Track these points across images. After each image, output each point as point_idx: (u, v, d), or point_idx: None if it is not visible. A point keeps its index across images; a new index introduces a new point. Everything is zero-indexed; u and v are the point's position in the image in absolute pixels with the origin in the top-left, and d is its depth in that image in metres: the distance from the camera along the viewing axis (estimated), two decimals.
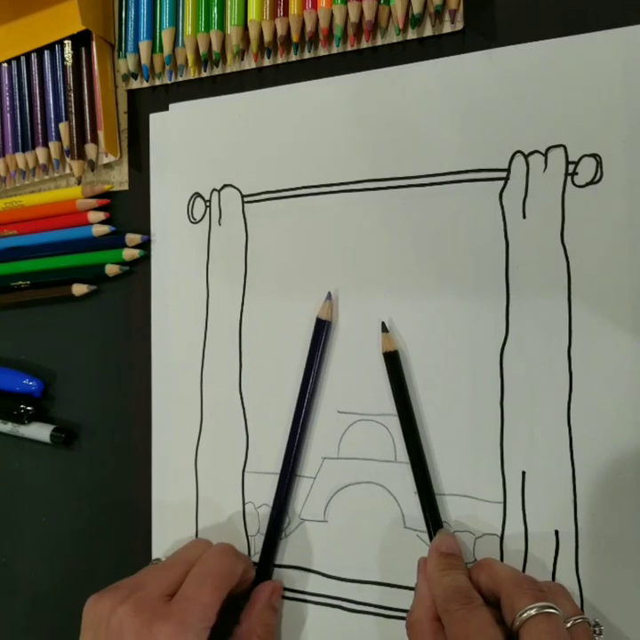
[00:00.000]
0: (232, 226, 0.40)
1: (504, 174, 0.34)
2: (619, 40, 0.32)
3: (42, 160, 0.46)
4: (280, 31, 0.38)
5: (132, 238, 0.43)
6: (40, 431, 0.45)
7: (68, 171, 0.46)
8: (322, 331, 0.37)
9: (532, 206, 0.33)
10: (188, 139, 0.42)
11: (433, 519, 0.34)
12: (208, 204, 0.41)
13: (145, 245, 0.43)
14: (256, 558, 0.38)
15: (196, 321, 0.41)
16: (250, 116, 0.40)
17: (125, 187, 0.45)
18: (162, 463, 0.42)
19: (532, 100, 0.33)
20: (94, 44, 0.43)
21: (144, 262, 0.43)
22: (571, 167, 0.33)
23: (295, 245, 0.38)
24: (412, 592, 0.33)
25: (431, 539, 0.33)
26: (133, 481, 0.43)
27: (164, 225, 0.43)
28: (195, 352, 0.41)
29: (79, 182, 0.45)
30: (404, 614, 0.34)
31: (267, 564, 0.38)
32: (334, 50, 0.38)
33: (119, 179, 0.45)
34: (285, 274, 0.39)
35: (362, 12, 0.36)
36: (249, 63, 0.40)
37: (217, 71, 0.41)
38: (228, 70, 0.41)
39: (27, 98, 0.46)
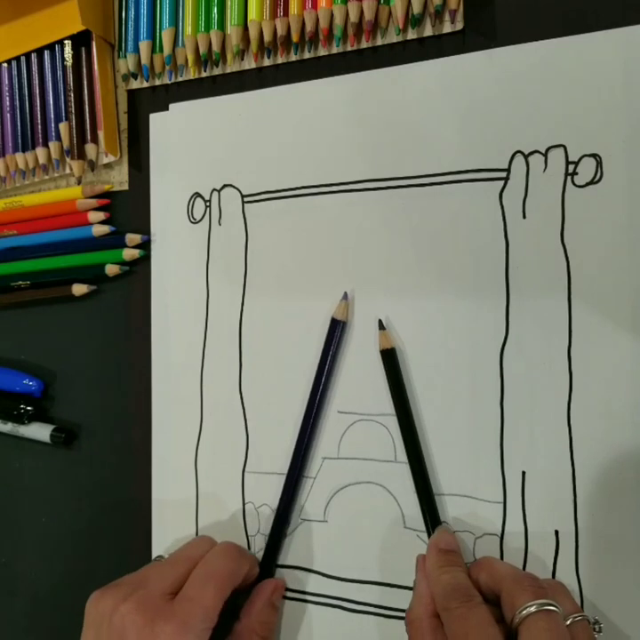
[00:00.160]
0: (232, 226, 0.40)
1: (504, 174, 0.34)
2: (619, 40, 0.32)
3: (42, 160, 0.46)
4: (280, 31, 0.38)
5: (132, 238, 0.43)
6: (40, 431, 0.45)
7: (68, 171, 0.46)
8: (336, 331, 0.36)
9: (531, 206, 0.33)
10: (188, 139, 0.42)
11: (432, 519, 0.34)
12: (208, 204, 0.41)
13: (145, 245, 0.43)
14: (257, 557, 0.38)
15: (195, 321, 0.41)
16: (250, 116, 0.40)
17: (125, 187, 0.45)
18: (162, 463, 0.42)
19: (532, 100, 0.33)
20: (94, 43, 0.43)
21: (144, 262, 0.43)
22: (571, 167, 0.33)
23: (295, 245, 0.38)
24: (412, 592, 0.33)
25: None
26: (133, 481, 0.43)
27: (164, 225, 0.43)
28: (195, 352, 0.41)
29: (79, 182, 0.45)
30: (404, 614, 0.33)
31: (269, 562, 0.38)
32: (334, 50, 0.38)
33: (119, 179, 0.45)
34: (285, 274, 0.39)
35: (362, 12, 0.36)
36: (249, 63, 0.40)
37: (217, 71, 0.41)
38: (228, 70, 0.41)
39: (27, 98, 0.46)
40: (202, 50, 0.40)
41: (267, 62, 0.40)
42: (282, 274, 0.39)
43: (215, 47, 0.40)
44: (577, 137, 0.32)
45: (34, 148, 0.46)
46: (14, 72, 0.47)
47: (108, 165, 0.45)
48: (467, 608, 0.28)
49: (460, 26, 0.35)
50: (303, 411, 0.37)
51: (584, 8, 0.33)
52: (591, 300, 0.32)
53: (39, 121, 0.46)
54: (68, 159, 0.45)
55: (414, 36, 0.36)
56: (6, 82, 0.47)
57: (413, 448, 0.34)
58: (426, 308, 0.35)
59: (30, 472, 0.48)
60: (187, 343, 0.41)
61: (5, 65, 0.47)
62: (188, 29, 0.40)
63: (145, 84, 0.43)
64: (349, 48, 0.37)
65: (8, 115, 0.47)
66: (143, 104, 0.44)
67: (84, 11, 0.41)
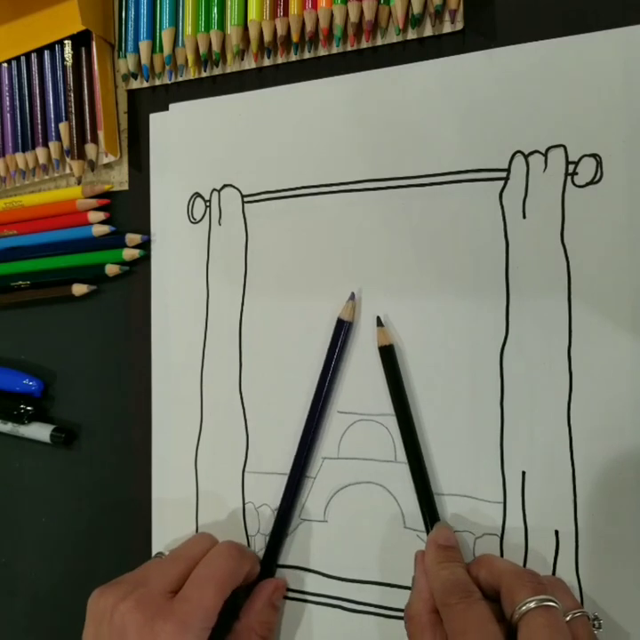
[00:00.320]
0: (232, 226, 0.40)
1: (504, 174, 0.34)
2: (619, 40, 0.32)
3: (42, 160, 0.46)
4: (280, 31, 0.38)
5: (132, 238, 0.43)
6: (40, 431, 0.45)
7: (68, 171, 0.46)
8: (342, 332, 0.36)
9: (531, 206, 0.33)
10: (188, 139, 0.42)
11: (432, 519, 0.34)
12: (208, 203, 0.41)
13: (145, 245, 0.43)
14: None
15: (196, 321, 0.41)
16: (250, 116, 0.40)
17: (125, 187, 0.45)
18: (162, 463, 0.42)
19: (532, 100, 0.33)
20: (94, 43, 0.43)
21: (144, 262, 0.43)
22: (571, 167, 0.33)
23: (295, 245, 0.38)
24: None
25: None
26: (133, 481, 0.43)
27: (164, 225, 0.43)
28: (195, 352, 0.41)
29: (79, 182, 0.45)
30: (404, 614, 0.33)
31: (270, 562, 0.38)
32: (334, 50, 0.38)
33: (119, 179, 0.45)
34: (285, 274, 0.39)
35: (362, 12, 0.36)
36: (249, 63, 0.40)
37: (217, 71, 0.41)
38: (228, 70, 0.41)
39: (27, 98, 0.46)
40: (202, 50, 0.40)
41: (267, 62, 0.40)
42: (282, 274, 0.39)
43: (215, 47, 0.40)
44: (577, 137, 0.32)
45: (34, 148, 0.46)
46: (14, 72, 0.47)
47: (108, 165, 0.45)
48: (466, 604, 0.28)
49: (460, 26, 0.35)
50: (303, 410, 0.37)
51: (584, 8, 0.33)
52: (591, 300, 0.32)
53: (39, 121, 0.46)
54: (67, 159, 0.45)
55: (414, 36, 0.36)
56: (6, 82, 0.47)
57: (413, 448, 0.34)
58: (426, 307, 0.35)
59: (30, 472, 0.48)
60: (187, 343, 0.41)
61: (5, 65, 0.47)
62: (188, 29, 0.40)
63: (145, 84, 0.43)
64: (349, 48, 0.37)
65: (8, 115, 0.47)
66: (143, 104, 0.44)
67: (84, 11, 0.41)
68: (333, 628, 0.36)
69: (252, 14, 0.38)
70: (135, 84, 0.44)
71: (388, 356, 0.35)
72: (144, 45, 0.42)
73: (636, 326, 0.31)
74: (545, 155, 0.33)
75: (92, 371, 0.45)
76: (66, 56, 0.44)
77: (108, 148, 0.44)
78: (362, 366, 0.36)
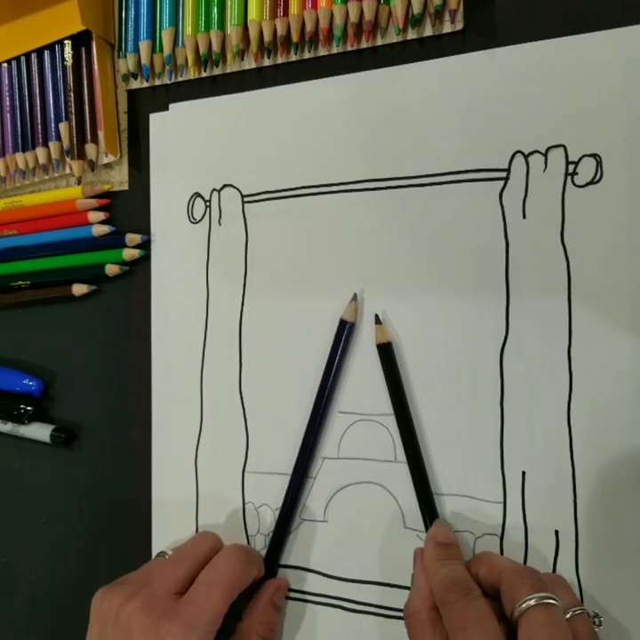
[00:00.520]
0: (232, 226, 0.40)
1: (504, 174, 0.34)
2: (619, 40, 0.32)
3: (42, 160, 0.46)
4: (280, 31, 0.38)
5: (132, 238, 0.43)
6: (40, 431, 0.45)
7: (68, 171, 0.46)
8: (344, 332, 0.36)
9: (531, 206, 0.33)
10: (188, 139, 0.42)
11: (431, 519, 0.34)
12: (208, 204, 0.41)
13: (145, 245, 0.43)
14: None
15: (196, 321, 0.41)
16: (250, 116, 0.40)
17: (125, 187, 0.45)
18: (162, 463, 0.42)
19: (532, 100, 0.33)
20: (94, 43, 0.43)
21: (144, 262, 0.43)
22: (571, 167, 0.33)
23: (295, 245, 0.38)
24: None
25: None
26: (133, 481, 0.43)
27: (164, 225, 0.43)
28: (195, 352, 0.41)
29: (79, 182, 0.45)
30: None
31: (272, 562, 0.38)
32: (334, 50, 0.38)
33: (119, 179, 0.45)
34: (285, 274, 0.39)
35: (362, 12, 0.36)
36: (249, 63, 0.40)
37: (217, 71, 0.41)
38: (228, 70, 0.41)
39: (27, 98, 0.46)
40: (202, 50, 0.40)
41: (267, 62, 0.40)
42: (282, 274, 0.39)
43: (215, 47, 0.40)
44: (577, 137, 0.32)
45: (34, 147, 0.46)
46: (14, 72, 0.47)
47: (108, 165, 0.45)
48: (465, 601, 0.28)
49: (460, 26, 0.35)
50: (303, 410, 0.37)
51: (584, 8, 0.33)
52: (591, 300, 0.32)
53: (39, 121, 0.46)
54: (67, 159, 0.45)
55: (414, 36, 0.36)
56: (6, 82, 0.47)
57: (413, 448, 0.34)
58: (426, 307, 0.35)
59: (30, 472, 0.48)
60: (187, 343, 0.41)
61: (5, 65, 0.47)
62: (188, 29, 0.40)
63: (145, 84, 0.43)
64: (349, 48, 0.37)
65: (8, 115, 0.47)
66: (143, 104, 0.44)
67: (84, 11, 0.41)
68: (333, 628, 0.36)
69: (252, 14, 0.38)
70: (135, 84, 0.44)
71: (387, 353, 0.35)
72: (144, 45, 0.42)
73: (636, 326, 0.31)
74: (545, 155, 0.33)
75: (91, 371, 0.45)
76: (66, 56, 0.44)
77: (108, 148, 0.44)
78: (362, 366, 0.36)
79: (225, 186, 0.41)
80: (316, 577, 0.37)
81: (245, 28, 0.39)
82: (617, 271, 0.31)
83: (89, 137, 0.44)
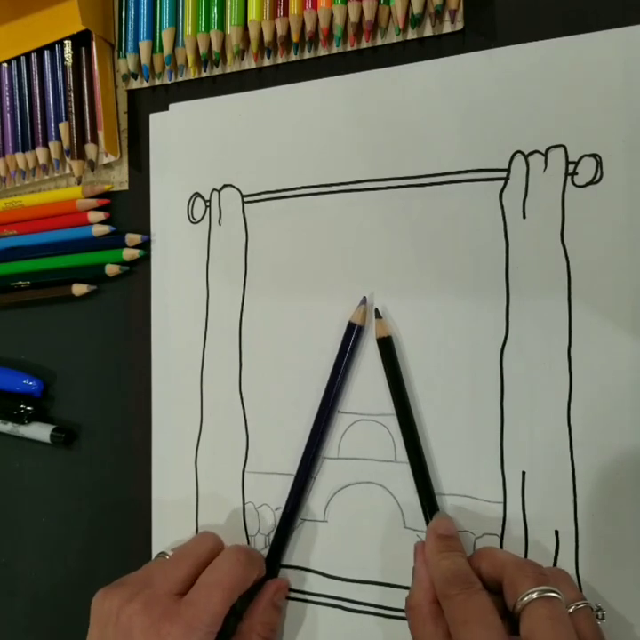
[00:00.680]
0: (232, 226, 0.40)
1: (504, 174, 0.34)
2: (619, 40, 0.32)
3: (42, 160, 0.46)
4: (280, 31, 0.38)
5: (132, 238, 0.43)
6: (40, 431, 0.45)
7: (68, 171, 0.46)
8: (352, 335, 0.36)
9: (531, 206, 0.33)
10: (188, 139, 0.42)
11: (432, 513, 0.34)
12: (208, 204, 0.41)
13: (145, 245, 0.43)
14: None
15: (196, 321, 0.41)
16: (250, 116, 0.40)
17: (125, 187, 0.45)
18: (162, 463, 0.42)
19: (532, 100, 0.33)
20: (94, 43, 0.43)
21: (144, 262, 0.43)
22: (571, 167, 0.33)
23: (295, 245, 0.38)
24: None
25: None
26: (133, 481, 0.43)
27: (164, 225, 0.43)
28: (195, 352, 0.41)
29: (79, 182, 0.45)
30: (404, 615, 0.33)
31: (273, 563, 0.38)
32: (334, 50, 0.38)
33: (119, 179, 0.45)
34: (285, 274, 0.39)
35: (362, 12, 0.36)
36: (249, 63, 0.40)
37: (217, 71, 0.41)
38: (228, 70, 0.41)
39: (27, 98, 0.46)
40: (202, 50, 0.40)
41: (267, 62, 0.40)
42: (282, 274, 0.39)
43: (215, 47, 0.40)
44: (577, 137, 0.32)
45: (34, 147, 0.46)
46: (14, 72, 0.47)
47: (108, 165, 0.45)
48: (467, 594, 0.28)
49: (460, 26, 0.35)
50: (303, 410, 0.37)
51: (584, 8, 0.33)
52: (591, 300, 0.32)
53: (39, 121, 0.46)
54: (67, 159, 0.45)
55: (414, 36, 0.36)
56: (6, 82, 0.47)
57: (413, 446, 0.34)
58: (426, 307, 0.35)
59: (30, 472, 0.48)
60: (187, 343, 0.41)
61: (5, 65, 0.47)
62: (188, 29, 0.40)
63: (145, 84, 0.43)
64: (349, 48, 0.37)
65: (8, 115, 0.47)
66: (143, 104, 0.44)
67: (84, 11, 0.41)
68: (334, 628, 0.36)
69: (252, 14, 0.38)
70: (135, 84, 0.44)
71: (387, 347, 0.35)
72: (144, 45, 0.42)
73: (636, 326, 0.31)
74: (545, 155, 0.33)
75: (92, 371, 0.45)
76: (66, 56, 0.44)
77: (108, 148, 0.44)
78: (362, 366, 0.36)
79: (225, 186, 0.41)
80: (316, 577, 0.37)
81: (245, 28, 0.39)
82: (617, 271, 0.31)
83: (89, 137, 0.44)
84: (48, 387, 0.47)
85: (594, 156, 0.32)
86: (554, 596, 0.27)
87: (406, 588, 0.34)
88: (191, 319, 0.41)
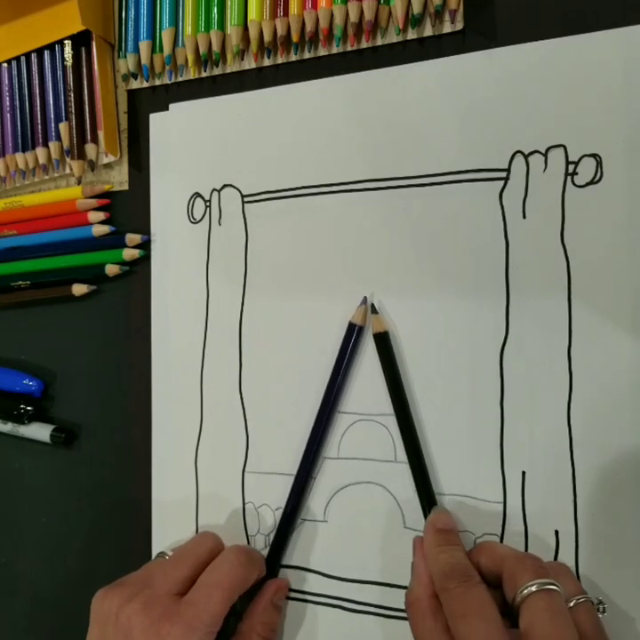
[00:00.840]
0: (232, 226, 0.40)
1: (504, 174, 0.34)
2: (619, 40, 0.32)
3: (42, 160, 0.46)
4: (280, 31, 0.38)
5: (132, 238, 0.43)
6: (40, 431, 0.45)
7: (68, 171, 0.46)
8: (353, 335, 0.36)
9: (531, 206, 0.33)
10: (188, 139, 0.42)
11: (430, 507, 0.34)
12: (208, 204, 0.41)
13: (145, 245, 0.43)
14: None
15: (196, 321, 0.41)
16: (250, 116, 0.40)
17: (125, 187, 0.45)
18: (162, 463, 0.42)
19: (532, 100, 0.33)
20: (94, 43, 0.43)
21: (144, 262, 0.43)
22: (571, 167, 0.33)
23: (295, 245, 0.38)
24: None
25: None
26: (133, 481, 0.43)
27: (164, 225, 0.43)
28: (195, 352, 0.41)
29: (79, 182, 0.45)
30: (404, 614, 0.33)
31: (273, 563, 0.38)
32: (334, 50, 0.38)
33: (119, 179, 0.45)
34: (285, 274, 0.39)
35: (362, 12, 0.36)
36: (249, 63, 0.40)
37: (217, 71, 0.41)
38: (228, 70, 0.41)
39: (27, 98, 0.46)
40: (202, 50, 0.40)
41: (267, 62, 0.40)
42: (282, 274, 0.39)
43: (215, 47, 0.40)
44: (577, 137, 0.32)
45: (34, 147, 0.46)
46: (14, 72, 0.47)
47: (108, 165, 0.45)
48: (465, 588, 0.28)
49: (460, 26, 0.35)
50: (303, 410, 0.37)
51: (584, 8, 0.33)
52: (591, 300, 0.32)
53: (39, 121, 0.46)
54: (67, 159, 0.45)
55: (414, 36, 0.36)
56: (6, 82, 0.47)
57: (413, 447, 0.34)
58: (426, 307, 0.35)
59: (30, 472, 0.48)
60: (187, 343, 0.41)
61: (5, 65, 0.47)
62: (188, 29, 0.40)
63: (145, 84, 0.43)
64: (349, 48, 0.37)
65: (8, 115, 0.47)
66: (143, 104, 0.44)
67: (84, 11, 0.41)
68: (334, 628, 0.36)
69: (252, 14, 0.38)
70: (135, 84, 0.44)
71: (383, 343, 0.35)
72: (144, 45, 0.42)
73: (636, 326, 0.31)
74: (545, 155, 0.33)
75: (92, 371, 0.45)
76: (66, 56, 0.44)
77: (108, 148, 0.44)
78: (362, 366, 0.36)
79: (225, 186, 0.41)
80: (316, 577, 0.37)
81: (245, 28, 0.39)
82: (617, 271, 0.31)
83: (89, 137, 0.44)
84: (48, 387, 0.47)
85: (594, 156, 0.32)
86: (553, 589, 0.27)
87: (406, 587, 0.34)
88: (191, 319, 0.41)
